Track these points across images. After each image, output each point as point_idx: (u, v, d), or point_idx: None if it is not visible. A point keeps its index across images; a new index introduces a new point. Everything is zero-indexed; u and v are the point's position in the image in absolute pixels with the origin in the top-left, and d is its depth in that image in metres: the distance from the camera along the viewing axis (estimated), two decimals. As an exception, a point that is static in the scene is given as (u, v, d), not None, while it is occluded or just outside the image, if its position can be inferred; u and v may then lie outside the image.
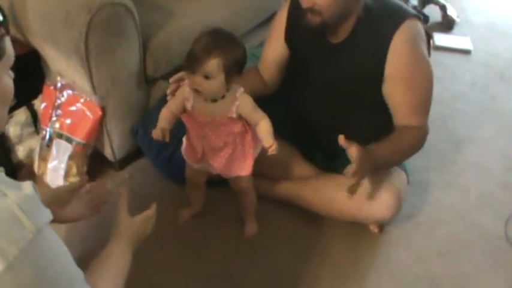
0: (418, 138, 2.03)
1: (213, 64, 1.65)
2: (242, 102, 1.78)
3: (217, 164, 1.92)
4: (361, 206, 2.04)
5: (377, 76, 1.95)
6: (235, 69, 1.71)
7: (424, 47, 1.97)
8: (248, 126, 1.87)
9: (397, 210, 2.06)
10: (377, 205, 2.03)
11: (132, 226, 1.56)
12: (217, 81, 1.68)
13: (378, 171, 1.96)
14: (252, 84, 2.13)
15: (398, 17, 1.91)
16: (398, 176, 2.11)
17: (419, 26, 1.95)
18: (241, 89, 1.80)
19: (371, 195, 2.03)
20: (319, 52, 2.04)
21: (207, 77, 1.67)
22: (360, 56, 1.95)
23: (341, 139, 1.75)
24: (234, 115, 1.79)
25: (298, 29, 1.97)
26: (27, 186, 0.99)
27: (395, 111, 2.02)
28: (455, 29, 3.77)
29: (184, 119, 1.88)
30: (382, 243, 2.20)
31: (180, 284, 2.00)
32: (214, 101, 1.76)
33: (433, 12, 3.82)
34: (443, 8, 3.80)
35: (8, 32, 1.05)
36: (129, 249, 1.51)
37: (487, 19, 3.94)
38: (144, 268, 2.01)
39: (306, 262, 2.10)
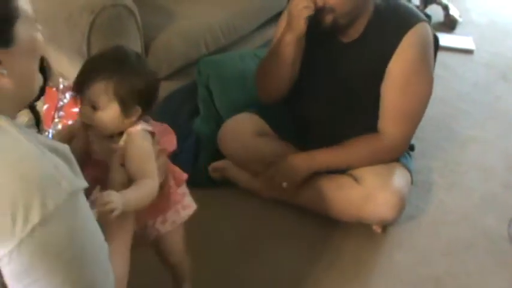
0: (376, 149, 2.07)
1: (98, 90, 1.30)
2: (129, 145, 1.36)
3: None
4: (364, 206, 2.04)
5: (381, 74, 1.96)
6: (136, 99, 1.34)
7: (431, 55, 1.99)
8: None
9: (400, 211, 2.06)
10: (380, 205, 2.03)
11: None
12: (109, 112, 1.32)
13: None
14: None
15: (410, 19, 1.93)
16: (401, 176, 2.11)
17: (429, 31, 1.97)
18: (139, 127, 1.37)
19: (374, 195, 2.03)
20: (329, 51, 2.04)
21: (94, 108, 1.32)
22: (370, 56, 1.97)
23: None
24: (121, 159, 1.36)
25: (307, 28, 1.96)
26: (66, 151, 1.03)
27: (381, 111, 2.03)
28: (458, 29, 3.76)
29: None
30: (385, 244, 2.19)
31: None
32: (111, 136, 1.39)
33: (435, 12, 3.81)
34: (445, 8, 3.80)
35: None
36: None
37: (490, 19, 3.94)
38: (142, 271, 2.01)
39: (308, 262, 2.09)
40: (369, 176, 2.07)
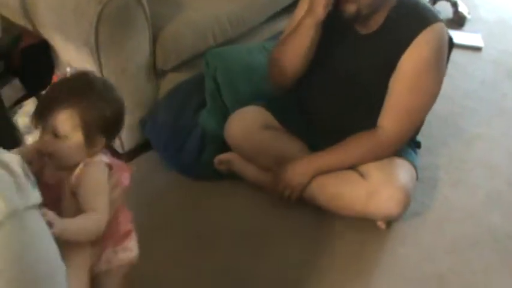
0: (373, 146, 2.07)
1: (63, 117, 1.25)
2: (85, 174, 1.30)
3: None
4: (369, 201, 2.04)
5: (393, 68, 1.97)
6: (101, 129, 1.30)
7: (444, 56, 1.99)
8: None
9: (405, 206, 2.05)
10: (385, 201, 2.03)
11: None
12: (71, 142, 1.27)
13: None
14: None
15: (428, 17, 1.93)
16: (407, 172, 2.11)
17: (446, 32, 1.97)
18: (97, 158, 1.34)
19: (379, 191, 2.03)
20: (345, 42, 2.05)
21: (57, 136, 1.27)
22: (385, 49, 1.97)
23: None
24: (72, 188, 1.31)
25: (325, 18, 1.96)
26: (12, 163, 0.92)
27: (384, 104, 2.03)
28: (467, 26, 3.73)
29: None
30: (389, 240, 2.19)
31: (186, 278, 2.00)
32: (68, 168, 1.32)
33: (444, 8, 3.78)
34: (454, 5, 3.77)
35: None
36: None
37: (499, 16, 3.91)
38: (149, 262, 2.01)
39: (311, 257, 2.10)
40: (374, 171, 2.07)
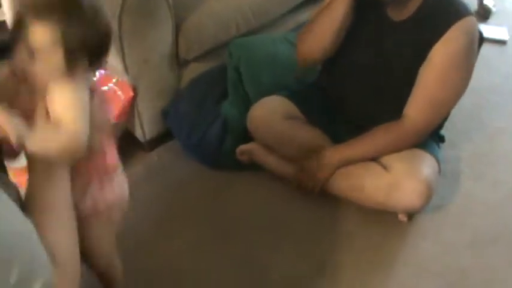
0: (397, 135, 2.06)
1: (43, 31, 1.09)
2: (60, 88, 1.15)
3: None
4: (391, 193, 2.04)
5: (422, 58, 1.95)
6: (85, 52, 1.15)
7: (475, 50, 1.99)
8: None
9: (427, 199, 2.04)
10: (407, 193, 2.02)
11: None
12: (50, 61, 1.12)
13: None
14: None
15: (462, 10, 1.92)
16: (429, 165, 2.09)
17: (477, 26, 1.96)
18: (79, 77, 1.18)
19: (401, 183, 2.02)
20: (377, 28, 2.04)
21: (34, 53, 1.11)
22: (416, 38, 1.95)
23: None
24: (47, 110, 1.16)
25: (358, 2, 1.95)
26: None
27: (411, 94, 2.02)
28: (492, 19, 3.68)
29: None
30: (410, 233, 2.18)
31: (203, 269, 2.00)
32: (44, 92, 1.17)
33: (469, 1, 3.74)
34: (479, -3, 3.74)
35: None
36: None
37: (524, 9, 3.86)
38: (168, 252, 2.03)
39: (332, 249, 2.10)
40: (397, 164, 2.06)
